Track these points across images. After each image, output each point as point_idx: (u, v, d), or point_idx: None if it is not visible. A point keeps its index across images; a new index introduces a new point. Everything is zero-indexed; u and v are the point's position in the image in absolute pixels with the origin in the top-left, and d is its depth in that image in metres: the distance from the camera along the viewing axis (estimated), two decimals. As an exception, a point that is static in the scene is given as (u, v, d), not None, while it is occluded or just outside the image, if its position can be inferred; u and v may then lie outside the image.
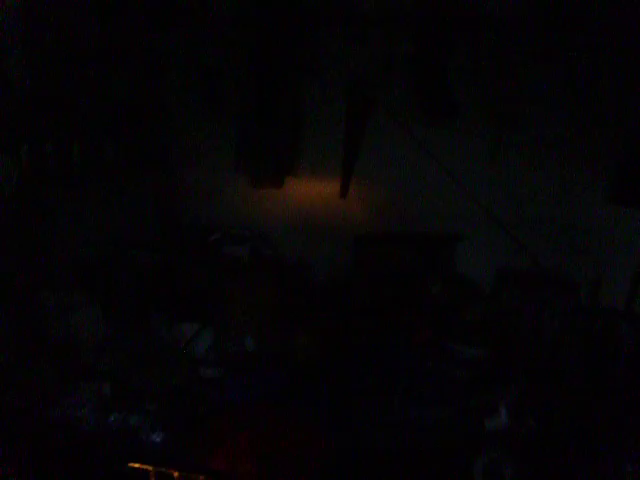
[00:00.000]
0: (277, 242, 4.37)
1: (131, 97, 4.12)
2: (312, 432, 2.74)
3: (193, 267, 3.90)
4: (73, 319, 3.43)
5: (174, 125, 4.41)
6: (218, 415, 2.88)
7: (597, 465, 2.73)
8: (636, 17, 3.40)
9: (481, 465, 2.71)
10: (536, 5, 3.51)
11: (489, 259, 4.12)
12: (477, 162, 4.01)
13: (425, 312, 3.76)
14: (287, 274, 4.12)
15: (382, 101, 4.00)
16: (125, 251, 4.05)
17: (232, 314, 3.52)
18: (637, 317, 3.70)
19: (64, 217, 3.62)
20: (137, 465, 2.10)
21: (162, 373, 3.29)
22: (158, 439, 2.76)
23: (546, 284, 3.94)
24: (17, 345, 3.15)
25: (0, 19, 3.14)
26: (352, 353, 3.50)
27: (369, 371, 3.38)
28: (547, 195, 3.97)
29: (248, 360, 3.37)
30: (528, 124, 3.86)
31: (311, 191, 4.31)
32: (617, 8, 3.41)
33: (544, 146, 3.88)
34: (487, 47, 3.77)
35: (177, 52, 4.25)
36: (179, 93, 4.34)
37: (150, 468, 2.06)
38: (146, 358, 3.38)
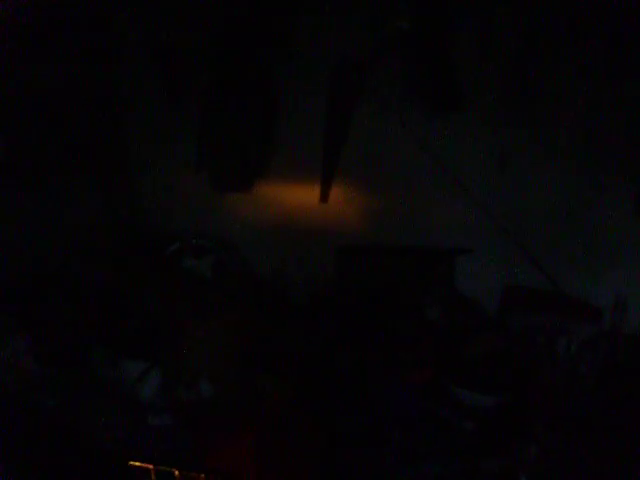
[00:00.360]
0: (246, 255, 3.78)
1: (75, 82, 3.49)
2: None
3: (144, 287, 3.26)
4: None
5: (125, 117, 3.81)
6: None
7: None
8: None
9: None
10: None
11: (495, 277, 3.54)
12: (485, 163, 3.42)
13: (422, 343, 3.16)
14: (256, 294, 3.50)
15: (372, 88, 3.41)
16: (63, 266, 3.43)
17: (185, 349, 2.88)
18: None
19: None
20: (137, 464, 2.11)
21: (102, 421, 2.67)
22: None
23: (562, 307, 3.39)
24: None
25: None
26: (335, 395, 2.89)
27: (355, 418, 2.79)
28: (566, 205, 3.40)
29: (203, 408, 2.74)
30: (547, 121, 3.28)
31: (286, 195, 3.74)
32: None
33: (564, 148, 3.31)
34: (502, 22, 3.19)
35: (129, 26, 3.65)
36: (132, 78, 3.73)
37: (150, 467, 2.08)
38: (84, 402, 2.77)
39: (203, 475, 2.09)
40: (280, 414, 2.71)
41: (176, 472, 2.08)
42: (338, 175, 3.63)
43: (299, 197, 3.72)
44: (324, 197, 3.66)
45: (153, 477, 2.10)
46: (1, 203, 3.15)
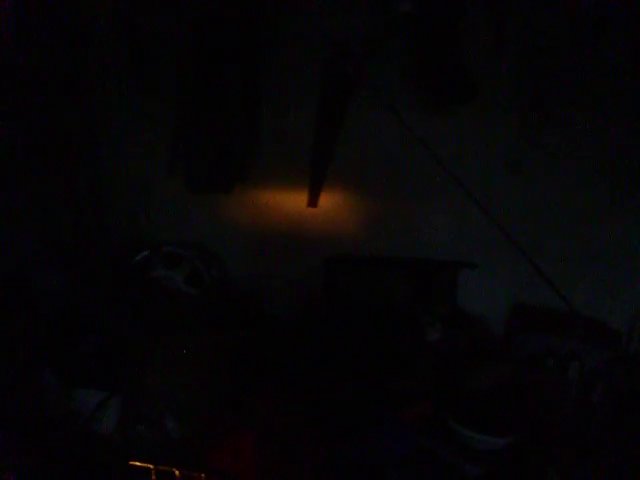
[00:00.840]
0: (226, 264, 3.43)
1: (36, 66, 3.11)
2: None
3: (104, 300, 2.90)
4: None
5: (92, 108, 3.40)
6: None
7: None
8: None
9: None
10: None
11: (501, 294, 3.27)
12: (494, 169, 3.12)
13: (421, 370, 2.81)
14: (237, 308, 3.16)
15: (369, 80, 3.04)
16: (16, 273, 3.06)
17: (149, 377, 2.51)
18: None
19: None
20: (138, 463, 2.12)
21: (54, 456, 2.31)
22: None
23: (575, 328, 3.07)
24: None
25: None
26: (320, 432, 2.51)
27: (342, 458, 2.43)
28: (582, 219, 3.12)
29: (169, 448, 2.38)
30: (569, 121, 2.97)
31: (270, 198, 3.39)
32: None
33: (586, 155, 3.01)
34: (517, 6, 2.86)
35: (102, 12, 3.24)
36: (100, 64, 3.34)
37: (151, 466, 2.10)
38: (33, 432, 2.40)
39: (203, 475, 2.09)
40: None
41: (176, 472, 2.08)
42: (329, 177, 3.30)
43: (285, 201, 3.39)
44: (313, 201, 3.33)
45: (154, 477, 2.08)
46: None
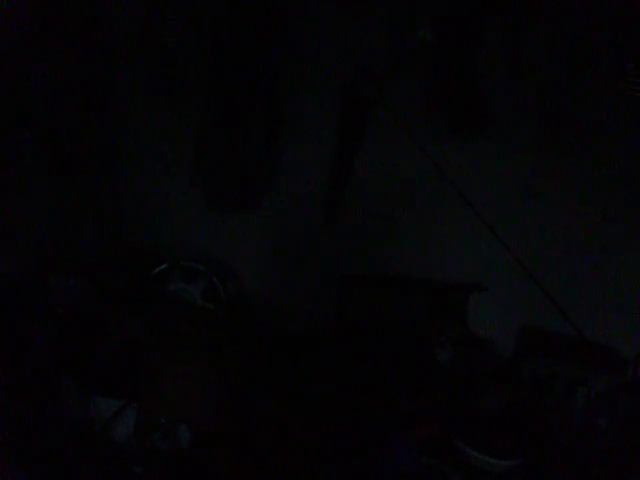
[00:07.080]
0: (242, 281, 3.46)
1: (62, 77, 3.17)
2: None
3: (123, 310, 2.94)
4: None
5: (116, 122, 3.45)
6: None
7: None
8: None
9: None
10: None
11: (510, 317, 3.28)
12: (508, 195, 3.14)
13: (430, 391, 2.84)
14: (251, 324, 3.19)
15: (388, 104, 3.07)
16: (37, 279, 3.07)
17: (163, 388, 2.55)
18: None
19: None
20: None
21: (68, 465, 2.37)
22: None
23: (583, 353, 3.09)
24: None
25: None
26: (330, 449, 2.56)
27: (351, 473, 2.47)
28: (594, 246, 3.12)
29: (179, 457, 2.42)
30: (584, 150, 2.98)
31: (289, 216, 3.40)
32: None
33: (602, 184, 3.02)
34: (536, 37, 2.88)
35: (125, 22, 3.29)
36: (124, 77, 3.39)
37: None
38: (47, 440, 2.45)
39: None
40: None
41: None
42: (346, 196, 3.31)
43: (303, 219, 3.40)
44: (330, 219, 3.35)
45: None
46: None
